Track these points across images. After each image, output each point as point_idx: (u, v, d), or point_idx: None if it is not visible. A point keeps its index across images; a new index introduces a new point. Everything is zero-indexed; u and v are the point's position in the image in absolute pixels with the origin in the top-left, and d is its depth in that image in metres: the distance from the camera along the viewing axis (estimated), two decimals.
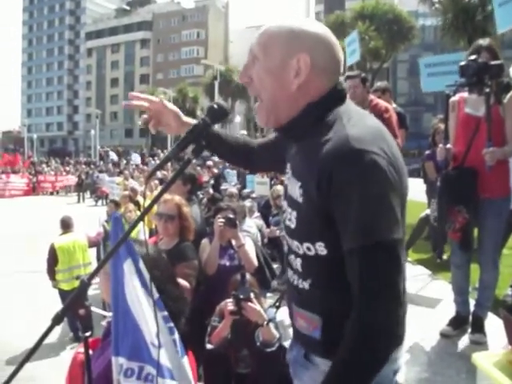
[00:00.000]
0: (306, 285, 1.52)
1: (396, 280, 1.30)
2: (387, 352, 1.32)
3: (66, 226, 6.65)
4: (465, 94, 4.09)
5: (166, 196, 3.68)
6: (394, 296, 1.30)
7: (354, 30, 9.63)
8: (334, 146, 1.35)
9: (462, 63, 3.87)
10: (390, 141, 1.41)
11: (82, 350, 2.22)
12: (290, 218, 1.51)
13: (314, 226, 1.43)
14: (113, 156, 34.24)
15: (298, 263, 1.53)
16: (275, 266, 4.27)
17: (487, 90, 3.75)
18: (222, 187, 10.64)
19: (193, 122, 1.79)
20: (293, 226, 1.51)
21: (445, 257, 6.96)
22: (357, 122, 1.41)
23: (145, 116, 1.85)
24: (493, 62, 3.76)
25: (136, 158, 29.15)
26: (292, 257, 1.56)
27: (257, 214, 6.50)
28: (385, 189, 1.31)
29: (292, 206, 1.51)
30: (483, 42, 4.07)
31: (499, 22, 4.91)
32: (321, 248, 1.43)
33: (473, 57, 3.83)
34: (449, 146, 4.14)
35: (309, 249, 1.46)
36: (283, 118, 1.53)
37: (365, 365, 1.31)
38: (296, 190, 1.48)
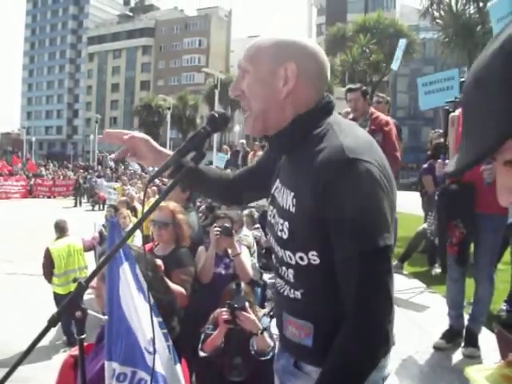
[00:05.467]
0: (298, 294, 1.54)
1: (389, 284, 1.35)
2: (381, 351, 1.39)
3: (61, 230, 6.63)
4: None
5: (161, 203, 3.69)
6: (388, 299, 1.35)
7: (403, 39, 10.32)
8: (329, 156, 1.37)
9: (462, 79, 3.90)
10: (379, 151, 1.46)
11: (73, 353, 2.22)
12: (282, 228, 1.52)
13: (307, 236, 1.44)
14: (110, 162, 34.24)
15: (289, 274, 1.54)
16: (270, 275, 4.27)
17: None
18: None
19: (168, 152, 1.79)
20: (285, 236, 1.51)
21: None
22: (349, 133, 1.44)
23: (119, 151, 1.85)
24: None
25: (135, 165, 29.13)
26: (283, 268, 1.57)
27: (257, 224, 6.48)
28: (379, 197, 1.34)
29: (284, 216, 1.52)
30: None
31: None
32: (313, 257, 1.44)
33: None
34: (447, 161, 4.17)
35: (302, 258, 1.47)
36: (270, 127, 1.56)
37: (363, 363, 1.35)
38: (289, 201, 1.49)
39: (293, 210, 1.47)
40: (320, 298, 1.48)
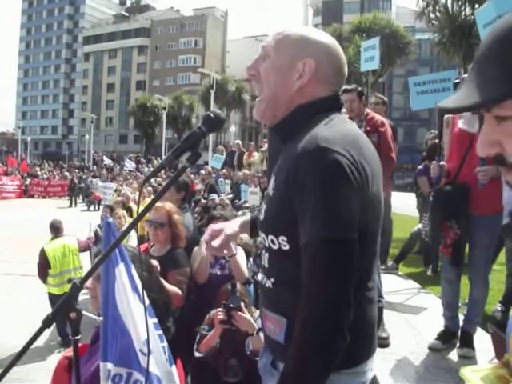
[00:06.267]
0: (269, 283, 1.56)
1: (344, 276, 1.31)
2: (333, 348, 1.30)
3: (56, 230, 6.60)
4: None
5: (157, 203, 3.69)
6: (340, 292, 1.30)
7: (376, 37, 9.80)
8: (303, 144, 1.40)
9: (457, 80, 3.91)
10: (363, 147, 1.45)
11: (68, 354, 2.21)
12: (262, 211, 1.57)
13: (278, 219, 1.48)
14: (107, 161, 34.27)
15: (265, 258, 1.58)
16: None
17: None
18: (210, 197, 10.63)
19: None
20: (262, 218, 1.57)
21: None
22: (333, 126, 1.46)
23: None
24: None
25: (129, 164, 29.08)
26: (263, 252, 1.61)
27: None
28: (343, 188, 1.33)
29: (265, 200, 1.59)
30: None
31: None
32: (283, 242, 1.47)
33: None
34: (442, 162, 4.18)
35: (273, 242, 1.50)
36: (278, 116, 1.60)
37: (310, 359, 1.30)
38: (270, 185, 1.55)
39: (271, 193, 1.53)
40: (289, 288, 1.47)
